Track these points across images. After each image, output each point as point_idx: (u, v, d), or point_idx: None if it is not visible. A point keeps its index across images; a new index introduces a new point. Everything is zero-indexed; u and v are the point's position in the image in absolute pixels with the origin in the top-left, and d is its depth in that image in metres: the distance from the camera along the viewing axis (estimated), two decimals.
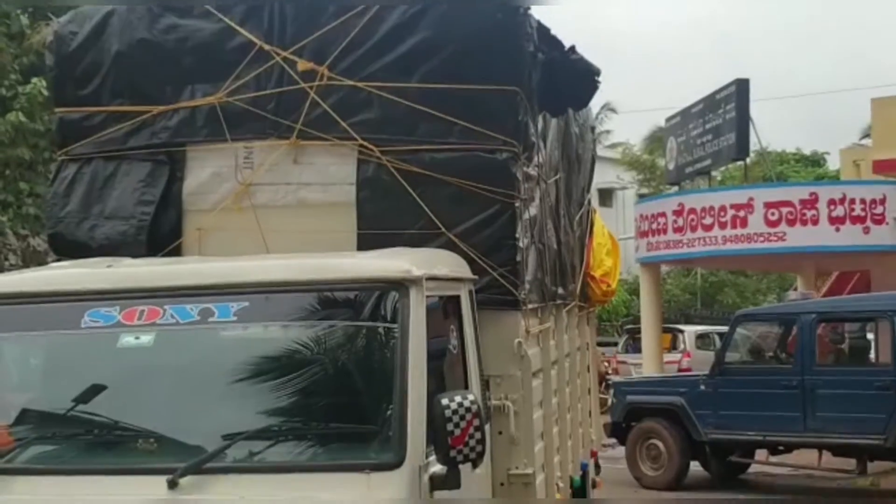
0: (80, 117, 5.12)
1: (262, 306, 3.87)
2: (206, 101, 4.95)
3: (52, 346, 4.04)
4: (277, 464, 3.54)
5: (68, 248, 4.96)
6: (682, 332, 23.48)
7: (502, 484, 4.78)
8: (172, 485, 3.39)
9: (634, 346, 23.28)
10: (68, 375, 3.92)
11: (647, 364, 19.32)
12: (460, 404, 3.56)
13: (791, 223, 16.91)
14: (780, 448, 12.49)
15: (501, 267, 4.74)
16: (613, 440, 12.97)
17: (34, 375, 4.19)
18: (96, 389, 3.75)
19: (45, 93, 12.99)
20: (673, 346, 22.53)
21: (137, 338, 3.78)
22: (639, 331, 21.91)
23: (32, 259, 13.71)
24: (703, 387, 12.34)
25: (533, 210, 5.16)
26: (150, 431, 3.60)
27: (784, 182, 26.79)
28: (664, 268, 23.81)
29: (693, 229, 17.62)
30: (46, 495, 3.42)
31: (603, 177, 26.30)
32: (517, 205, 4.82)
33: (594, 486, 6.85)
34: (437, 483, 3.62)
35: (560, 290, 5.76)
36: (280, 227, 4.82)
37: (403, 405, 3.57)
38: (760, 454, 12.74)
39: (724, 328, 15.99)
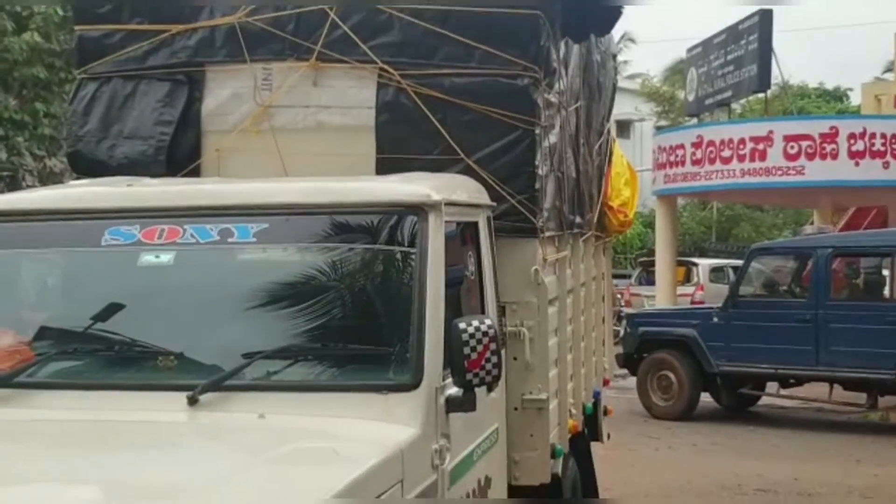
0: (99, 35, 5.09)
1: (281, 228, 3.88)
2: (225, 21, 4.91)
3: (72, 264, 4.06)
4: (296, 383, 3.58)
5: (87, 166, 4.96)
6: (696, 265, 23.50)
7: (516, 409, 4.83)
8: (192, 401, 3.42)
9: (648, 278, 23.34)
10: (88, 292, 3.95)
11: (660, 296, 19.37)
12: (477, 328, 3.59)
13: (810, 157, 16.81)
14: (792, 381, 12.58)
15: (520, 194, 4.73)
16: (625, 371, 13.07)
17: (54, 292, 4.23)
18: (116, 307, 3.78)
19: (61, 13, 12.92)
20: (687, 279, 22.58)
21: (157, 256, 3.80)
22: (652, 263, 21.95)
23: (49, 180, 13.75)
24: (716, 319, 12.39)
25: (553, 137, 5.13)
26: (169, 349, 3.63)
27: (804, 115, 26.54)
28: (680, 201, 23.75)
29: (711, 162, 17.53)
30: (67, 409, 3.45)
31: (620, 108, 26.06)
32: (537, 132, 4.79)
33: (606, 413, 6.91)
34: (452, 405, 3.66)
35: (577, 219, 5.75)
36: (298, 149, 4.81)
37: (421, 328, 3.59)
38: (771, 387, 12.83)
39: (739, 262, 16.01)
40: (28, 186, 13.53)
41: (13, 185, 13.28)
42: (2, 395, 3.55)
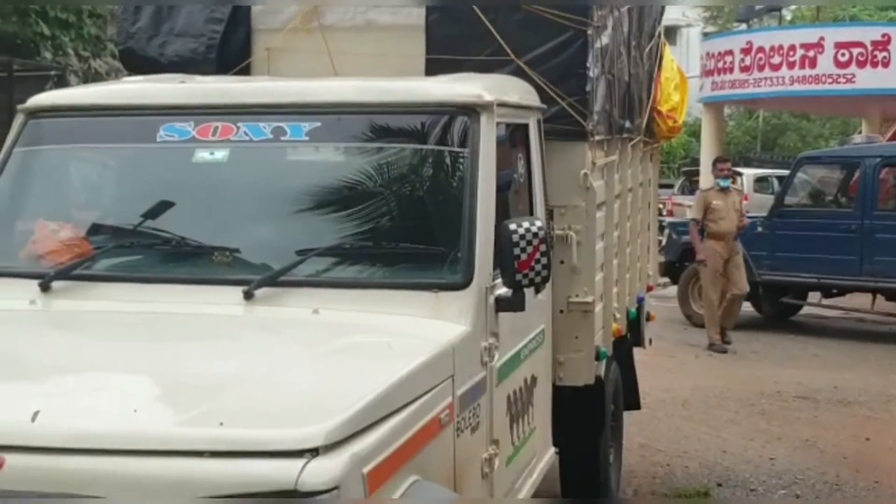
0: None
1: (333, 127, 3.89)
2: None
3: (127, 160, 4.10)
4: (349, 280, 3.64)
5: (139, 63, 4.98)
6: (740, 174, 23.21)
7: (562, 311, 4.88)
8: (248, 296, 3.49)
9: (691, 188, 23.14)
10: (144, 188, 4.00)
11: None
12: (527, 230, 3.61)
13: (861, 65, 16.49)
14: (834, 291, 12.53)
15: (571, 96, 4.70)
16: (666, 280, 13.07)
17: (109, 188, 4.29)
18: (172, 203, 3.83)
19: None
20: None
21: (212, 153, 3.83)
22: (696, 173, 21.74)
23: (94, 81, 13.79)
24: (760, 228, 12.32)
25: (605, 39, 5.07)
26: (225, 245, 3.68)
27: (856, 22, 25.89)
28: (726, 109, 23.42)
29: (760, 69, 17.24)
30: (126, 301, 3.54)
31: (667, 13, 25.59)
32: (589, 32, 4.73)
33: (648, 318, 6.94)
34: (502, 305, 3.71)
35: (627, 124, 5.71)
36: (348, 48, 4.78)
37: (472, 228, 3.62)
38: (813, 297, 12.80)
39: (784, 172, 15.83)
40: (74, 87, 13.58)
41: (61, 84, 13.33)
42: (61, 288, 3.63)
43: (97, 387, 2.87)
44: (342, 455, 2.47)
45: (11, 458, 2.36)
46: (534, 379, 4.43)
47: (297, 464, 2.37)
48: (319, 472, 2.38)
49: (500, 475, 3.81)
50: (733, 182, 12.17)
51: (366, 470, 2.54)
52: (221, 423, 2.47)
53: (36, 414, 2.45)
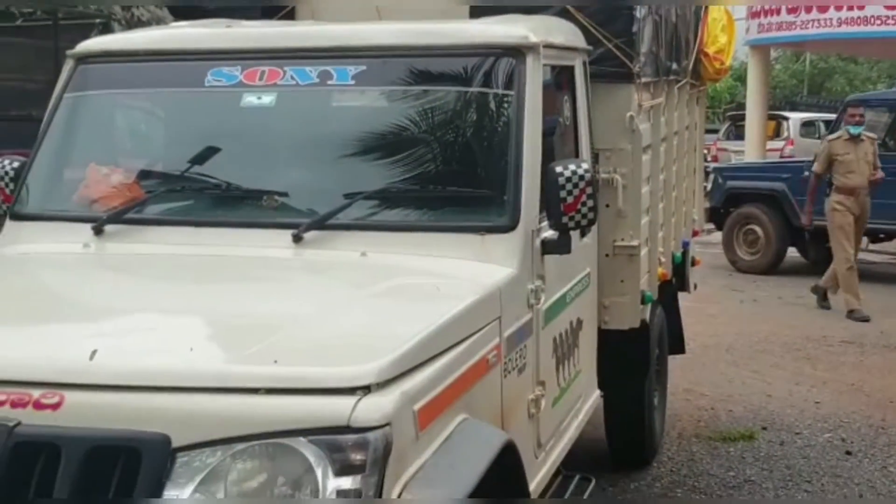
0: None
1: (379, 71, 3.90)
2: None
3: (177, 104, 4.14)
4: (396, 223, 3.66)
5: (185, 9, 4.99)
6: (786, 119, 22.95)
7: (607, 255, 4.89)
8: (297, 239, 3.53)
9: (736, 132, 22.89)
10: (193, 133, 4.03)
11: (749, 150, 19.04)
12: (574, 172, 3.61)
13: None
14: (881, 236, 12.39)
15: (617, 38, 4.66)
16: (710, 226, 12.99)
17: (160, 133, 4.33)
18: (221, 147, 3.87)
19: None
20: (776, 134, 22.09)
21: (259, 98, 3.85)
22: (741, 118, 21.48)
23: (137, 28, 13.82)
24: (806, 173, 12.16)
25: None
26: (273, 189, 3.72)
27: None
28: (773, 52, 23.05)
29: (808, 10, 16.92)
30: (177, 244, 3.59)
31: None
32: None
33: (694, 263, 6.92)
34: (548, 247, 3.72)
35: (673, 65, 5.65)
36: None
37: (518, 171, 3.62)
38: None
39: (831, 116, 15.60)
40: None
41: (105, 32, 13.39)
42: (114, 231, 3.69)
43: (152, 327, 2.93)
44: (393, 392, 2.51)
45: (71, 396, 2.42)
46: (579, 322, 4.45)
47: (349, 401, 2.41)
48: (371, 408, 2.42)
49: (546, 416, 3.85)
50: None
51: (416, 407, 2.58)
52: (275, 361, 2.51)
53: (94, 353, 2.50)
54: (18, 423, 2.36)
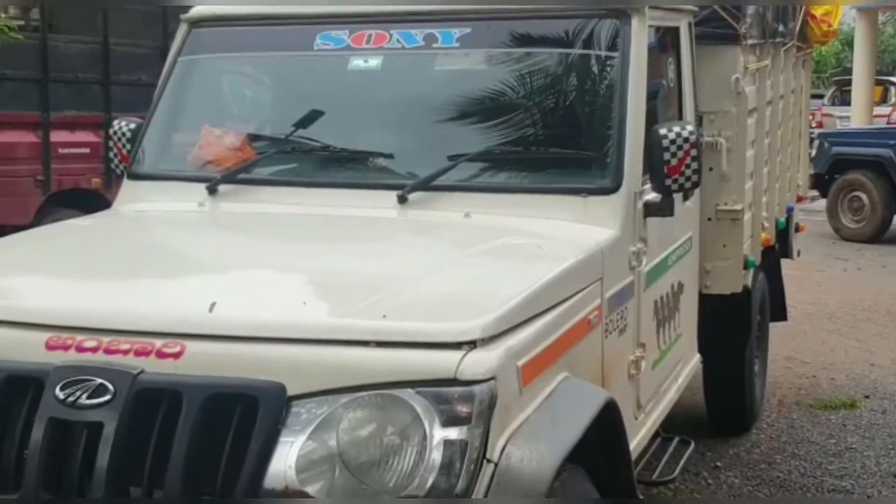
0: None
1: (483, 33, 3.93)
2: None
3: (286, 68, 4.23)
4: (499, 185, 3.70)
5: None
6: (894, 84, 22.28)
7: (710, 219, 4.87)
8: (402, 200, 3.60)
9: (842, 98, 22.31)
10: (301, 96, 4.12)
11: (855, 116, 18.58)
12: (678, 134, 3.61)
13: None
14: None
15: None
16: (814, 193, 12.74)
17: (270, 95, 4.44)
18: (328, 110, 3.95)
19: None
20: (883, 100, 21.47)
21: (366, 61, 3.92)
22: (847, 83, 20.94)
23: None
24: None
25: None
26: (379, 151, 3.79)
27: None
28: (881, 16, 22.35)
29: None
30: (286, 204, 3.69)
31: None
32: None
33: (797, 229, 6.82)
34: (651, 210, 3.73)
35: (780, 28, 5.56)
36: None
37: (622, 133, 3.63)
38: None
39: None
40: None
41: None
42: (227, 191, 3.81)
43: (266, 281, 3.03)
44: (498, 348, 2.56)
45: (191, 346, 2.53)
46: (680, 286, 4.45)
47: (456, 355, 2.47)
48: (477, 363, 2.47)
49: (645, 378, 3.87)
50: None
51: (520, 363, 2.63)
52: (384, 316, 2.59)
53: (213, 305, 2.61)
54: (142, 371, 2.48)
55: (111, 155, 4.19)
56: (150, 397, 2.46)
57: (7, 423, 2.53)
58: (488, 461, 2.46)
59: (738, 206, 4.86)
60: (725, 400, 5.64)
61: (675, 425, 4.63)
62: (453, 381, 2.44)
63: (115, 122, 4.20)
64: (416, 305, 2.75)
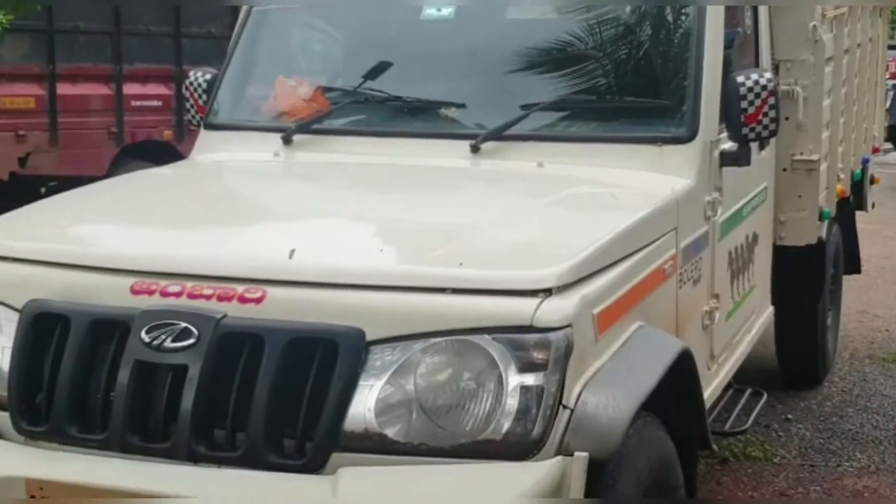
0: None
1: None
2: None
3: (359, 18, 4.22)
4: (573, 134, 3.69)
5: None
6: None
7: (785, 169, 4.81)
8: (475, 149, 3.60)
9: None
10: (374, 46, 4.12)
11: None
12: (756, 82, 3.56)
13: None
14: None
15: None
16: (889, 145, 12.47)
17: (343, 46, 4.45)
18: (401, 60, 3.95)
19: None
20: None
21: (438, 10, 3.91)
22: None
23: None
24: None
25: None
26: (452, 101, 3.79)
27: None
28: None
29: None
30: (361, 154, 3.72)
31: None
32: None
33: (872, 181, 6.70)
34: (727, 159, 3.69)
35: None
36: None
37: (698, 81, 3.59)
38: None
39: None
40: None
41: None
42: (302, 141, 3.84)
43: (343, 229, 3.07)
44: (574, 296, 2.57)
45: (272, 291, 2.57)
46: (755, 237, 4.41)
47: (532, 302, 2.49)
48: (553, 310, 2.49)
49: (719, 328, 3.86)
50: None
51: (595, 311, 2.64)
52: (461, 264, 2.60)
53: (292, 252, 2.65)
54: (225, 316, 2.53)
55: (187, 106, 4.25)
56: (232, 341, 2.51)
57: (94, 366, 2.61)
58: (564, 407, 2.48)
59: (815, 157, 4.78)
60: (798, 352, 5.60)
61: (746, 377, 4.61)
62: (529, 328, 2.46)
63: (191, 73, 4.25)
64: (491, 253, 2.77)
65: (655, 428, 2.82)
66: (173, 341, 2.52)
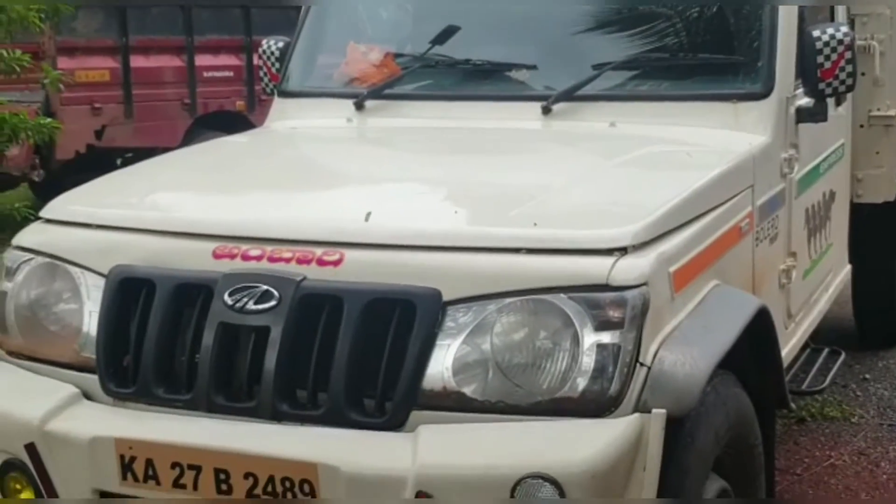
0: None
1: None
2: None
3: None
4: (645, 93, 3.66)
5: None
6: None
7: (862, 126, 4.73)
8: (546, 111, 3.59)
9: None
10: (442, 9, 4.10)
11: None
12: (832, 36, 3.50)
13: None
14: None
15: None
16: None
17: (411, 10, 4.45)
18: (470, 23, 3.94)
19: None
20: None
21: None
22: None
23: None
24: None
25: None
26: (523, 62, 3.78)
27: None
28: None
29: None
30: (432, 118, 3.74)
31: None
32: None
33: None
34: (803, 115, 3.64)
35: None
36: None
37: (773, 36, 3.54)
38: None
39: None
40: None
41: None
42: (374, 106, 3.87)
43: (418, 192, 3.10)
44: (649, 254, 2.56)
45: (350, 254, 2.61)
46: (832, 194, 4.35)
47: (607, 261, 2.49)
48: (629, 268, 2.49)
49: (796, 287, 3.82)
50: None
51: (671, 269, 2.63)
52: (535, 224, 2.62)
53: (368, 214, 2.68)
54: (304, 278, 2.58)
55: (261, 74, 4.30)
56: (312, 303, 2.56)
57: (178, 328, 2.68)
58: (641, 365, 2.48)
59: (892, 112, 4.70)
60: (876, 311, 5.52)
61: (823, 337, 4.56)
62: (605, 287, 2.47)
63: (265, 42, 4.30)
64: (566, 213, 2.78)
65: (733, 386, 2.81)
66: (255, 304, 2.57)
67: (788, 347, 3.77)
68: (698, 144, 3.38)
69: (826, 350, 4.40)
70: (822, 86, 3.53)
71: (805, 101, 3.64)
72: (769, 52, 3.51)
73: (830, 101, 3.74)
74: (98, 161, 8.36)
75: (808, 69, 3.52)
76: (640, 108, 3.59)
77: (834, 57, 3.49)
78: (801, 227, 3.89)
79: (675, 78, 3.71)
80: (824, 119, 3.66)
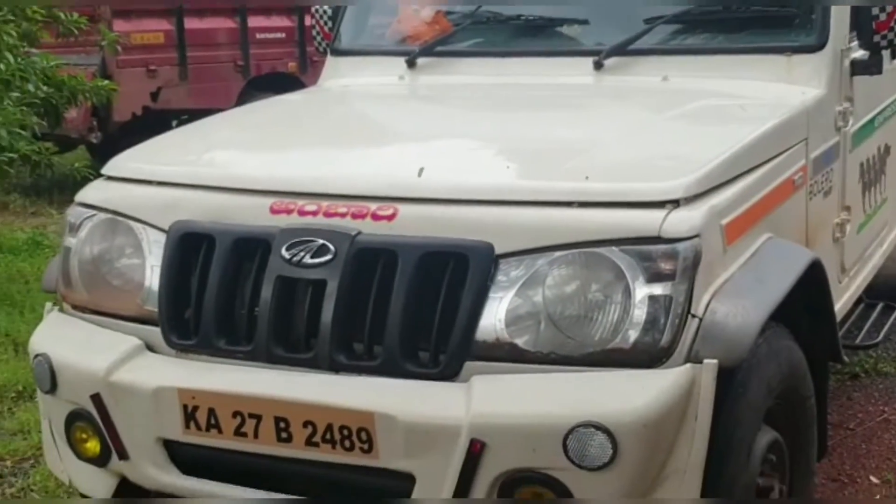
0: None
1: None
2: None
3: None
4: (698, 46, 3.65)
5: None
6: None
7: None
8: (598, 66, 3.59)
9: None
10: None
11: None
12: None
13: None
14: None
15: None
16: None
17: None
18: None
19: None
20: None
21: None
22: None
23: None
24: None
25: None
26: (574, 17, 3.79)
27: None
28: None
29: None
30: (484, 74, 3.75)
31: None
32: None
33: None
34: (858, 68, 3.61)
35: None
36: None
37: None
38: None
39: None
40: None
41: None
42: (426, 63, 3.90)
43: (470, 147, 3.13)
44: (701, 207, 2.57)
45: (404, 208, 2.65)
46: (887, 148, 4.31)
47: (659, 213, 2.51)
48: (681, 220, 2.50)
49: (850, 241, 3.80)
50: None
51: (723, 222, 2.64)
52: (587, 178, 2.64)
53: (421, 170, 2.72)
54: (359, 233, 2.63)
55: (314, 33, 4.34)
56: (367, 257, 2.61)
57: (238, 282, 2.74)
58: (693, 316, 2.50)
59: None
60: None
61: (877, 292, 4.53)
62: (657, 239, 2.48)
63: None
64: (617, 167, 2.79)
65: (785, 338, 2.83)
66: (312, 258, 2.62)
67: (842, 302, 3.76)
68: (751, 98, 3.37)
69: (880, 305, 4.38)
70: (877, 38, 3.49)
71: (860, 53, 3.60)
72: (823, 4, 3.48)
73: (886, 54, 3.69)
74: (154, 123, 8.46)
75: (862, 21, 3.48)
76: (692, 61, 3.58)
77: (889, 9, 3.46)
78: (856, 181, 3.86)
79: (727, 31, 3.69)
80: (879, 71, 3.62)
